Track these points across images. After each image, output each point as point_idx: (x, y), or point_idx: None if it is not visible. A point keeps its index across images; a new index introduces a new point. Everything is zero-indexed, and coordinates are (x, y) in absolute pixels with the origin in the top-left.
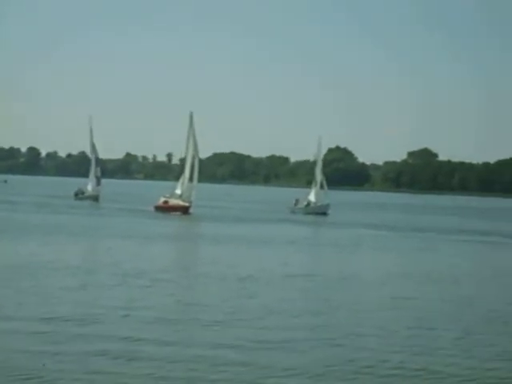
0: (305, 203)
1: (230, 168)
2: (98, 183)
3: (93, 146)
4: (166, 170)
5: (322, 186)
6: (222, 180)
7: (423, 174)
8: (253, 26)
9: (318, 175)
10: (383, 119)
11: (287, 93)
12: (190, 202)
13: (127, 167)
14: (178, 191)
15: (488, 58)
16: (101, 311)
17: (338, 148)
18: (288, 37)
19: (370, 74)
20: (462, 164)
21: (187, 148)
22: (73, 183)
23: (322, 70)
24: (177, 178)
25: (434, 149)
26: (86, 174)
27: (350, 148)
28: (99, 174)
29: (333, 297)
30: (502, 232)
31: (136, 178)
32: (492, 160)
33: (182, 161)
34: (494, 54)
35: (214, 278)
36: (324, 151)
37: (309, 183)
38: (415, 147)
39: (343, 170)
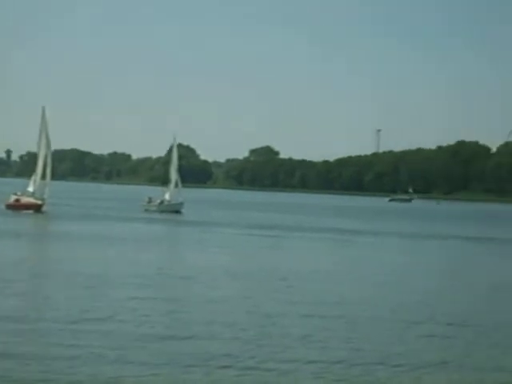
0: (158, 201)
1: (71, 165)
2: None
3: None
4: (5, 167)
5: (176, 185)
6: (61, 177)
7: (264, 171)
8: (111, 18)
9: (174, 173)
10: (227, 117)
11: (132, 90)
12: (43, 200)
13: None
14: (31, 189)
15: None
16: None
17: (180, 145)
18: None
19: (213, 69)
20: (302, 162)
21: (39, 145)
22: None
23: (169, 66)
24: (16, 175)
25: (275, 147)
26: None
27: (192, 145)
28: None
29: (181, 295)
30: (347, 229)
31: None
32: (332, 158)
33: (22, 157)
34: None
35: (64, 277)
36: (166, 148)
37: (151, 180)
38: (257, 145)
39: (186, 168)
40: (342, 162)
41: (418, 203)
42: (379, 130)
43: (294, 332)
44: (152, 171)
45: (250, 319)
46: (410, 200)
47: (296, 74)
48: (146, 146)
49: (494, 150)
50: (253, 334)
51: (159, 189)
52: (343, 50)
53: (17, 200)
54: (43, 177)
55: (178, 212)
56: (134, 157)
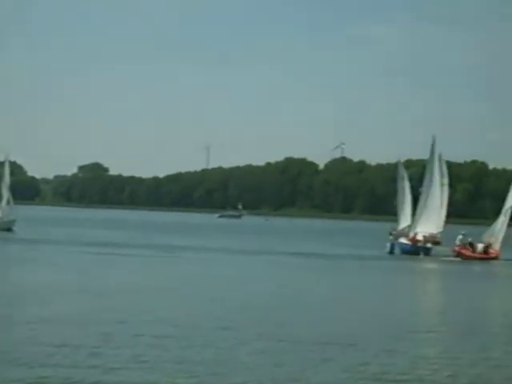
0: None
1: None
2: None
3: None
4: None
5: (8, 202)
6: None
7: (93, 187)
8: None
9: (5, 190)
10: (55, 132)
11: None
12: None
13: None
14: None
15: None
16: None
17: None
18: None
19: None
20: (132, 178)
21: None
22: None
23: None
24: None
25: (104, 163)
26: None
27: (19, 162)
28: None
29: (8, 315)
30: (176, 245)
31: None
32: (161, 174)
33: None
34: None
35: None
36: None
37: None
38: (86, 162)
39: (13, 184)
40: (171, 178)
41: (248, 219)
42: (209, 147)
43: (124, 352)
44: None
45: (81, 339)
46: (239, 216)
47: (123, 90)
48: None
49: (321, 166)
50: (83, 354)
51: None
52: (164, 68)
53: None
54: None
55: (9, 230)
56: None
